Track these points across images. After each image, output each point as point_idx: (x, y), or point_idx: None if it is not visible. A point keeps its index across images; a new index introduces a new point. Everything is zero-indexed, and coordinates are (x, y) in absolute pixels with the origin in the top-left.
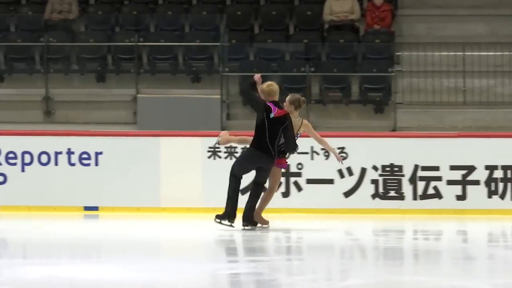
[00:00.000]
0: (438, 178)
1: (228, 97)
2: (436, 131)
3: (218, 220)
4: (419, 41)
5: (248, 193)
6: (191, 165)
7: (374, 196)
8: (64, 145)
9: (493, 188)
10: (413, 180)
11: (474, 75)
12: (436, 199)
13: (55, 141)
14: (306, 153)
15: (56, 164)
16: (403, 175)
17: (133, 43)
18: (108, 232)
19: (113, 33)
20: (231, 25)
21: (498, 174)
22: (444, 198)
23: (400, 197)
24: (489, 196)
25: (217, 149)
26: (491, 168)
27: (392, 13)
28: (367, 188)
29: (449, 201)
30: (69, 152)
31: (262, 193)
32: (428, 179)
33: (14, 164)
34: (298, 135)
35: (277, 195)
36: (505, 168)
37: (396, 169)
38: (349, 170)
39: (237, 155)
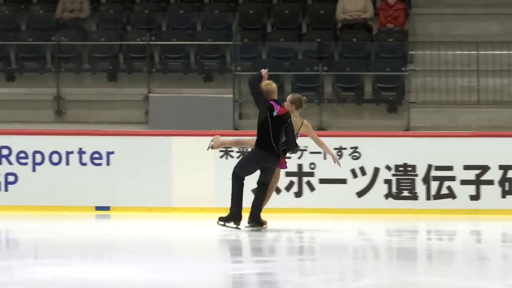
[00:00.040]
0: (452, 178)
1: (240, 97)
2: (450, 131)
3: (222, 223)
4: (432, 40)
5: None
6: (203, 165)
7: (387, 196)
8: (75, 145)
9: (507, 188)
10: (426, 180)
11: (488, 74)
12: (449, 199)
13: (67, 140)
14: (319, 152)
15: (67, 163)
16: (416, 175)
17: (145, 42)
18: (119, 232)
19: (124, 32)
20: (244, 24)
21: None
22: (458, 198)
23: (414, 197)
24: (503, 196)
25: (229, 149)
26: (505, 168)
27: (405, 11)
28: (380, 188)
29: (462, 201)
30: (81, 152)
31: None
32: (441, 179)
33: (25, 164)
34: (298, 135)
35: (289, 195)
36: None
37: (409, 169)
38: (362, 170)
39: None
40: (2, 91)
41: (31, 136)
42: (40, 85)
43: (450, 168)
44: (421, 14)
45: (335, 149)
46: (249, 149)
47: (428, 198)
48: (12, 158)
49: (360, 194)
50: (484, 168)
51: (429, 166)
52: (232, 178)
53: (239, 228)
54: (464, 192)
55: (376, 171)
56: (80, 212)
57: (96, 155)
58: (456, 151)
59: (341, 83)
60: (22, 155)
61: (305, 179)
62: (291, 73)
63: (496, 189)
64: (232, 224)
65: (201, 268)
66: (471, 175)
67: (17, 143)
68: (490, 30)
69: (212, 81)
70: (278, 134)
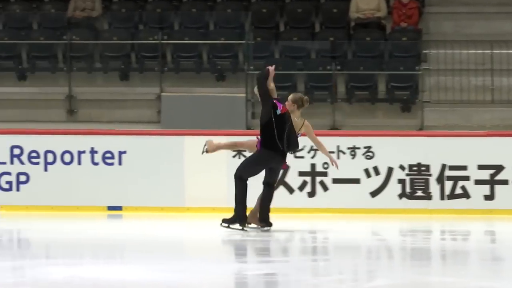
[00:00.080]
0: (466, 178)
1: (253, 96)
2: (464, 130)
3: (226, 225)
4: (446, 39)
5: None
6: (216, 165)
7: (401, 196)
8: (87, 144)
9: None
10: (440, 179)
11: (502, 73)
12: (463, 199)
13: (78, 140)
14: (332, 152)
15: (79, 163)
16: (430, 175)
17: (157, 41)
18: (131, 232)
19: (136, 31)
20: (256, 23)
21: None
22: (472, 198)
23: (427, 197)
24: None
25: (241, 149)
26: None
27: (419, 10)
28: (393, 187)
29: (477, 201)
30: (93, 151)
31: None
32: (455, 179)
33: (37, 163)
34: (298, 135)
35: (303, 195)
36: None
37: (423, 168)
38: (376, 170)
39: None
40: (13, 91)
41: (43, 135)
42: (52, 84)
43: (464, 167)
44: (435, 12)
45: (349, 148)
46: (247, 152)
47: (442, 198)
48: (24, 157)
49: (374, 194)
50: (499, 168)
51: (443, 166)
52: (235, 181)
53: (245, 230)
54: (478, 192)
55: (390, 170)
56: (92, 212)
57: (108, 155)
58: (470, 151)
59: (354, 82)
60: (33, 154)
61: (318, 179)
62: (304, 72)
63: (510, 189)
64: (237, 225)
65: (213, 268)
66: (485, 174)
67: (28, 142)
68: (505, 29)
69: (224, 80)
70: (282, 133)
